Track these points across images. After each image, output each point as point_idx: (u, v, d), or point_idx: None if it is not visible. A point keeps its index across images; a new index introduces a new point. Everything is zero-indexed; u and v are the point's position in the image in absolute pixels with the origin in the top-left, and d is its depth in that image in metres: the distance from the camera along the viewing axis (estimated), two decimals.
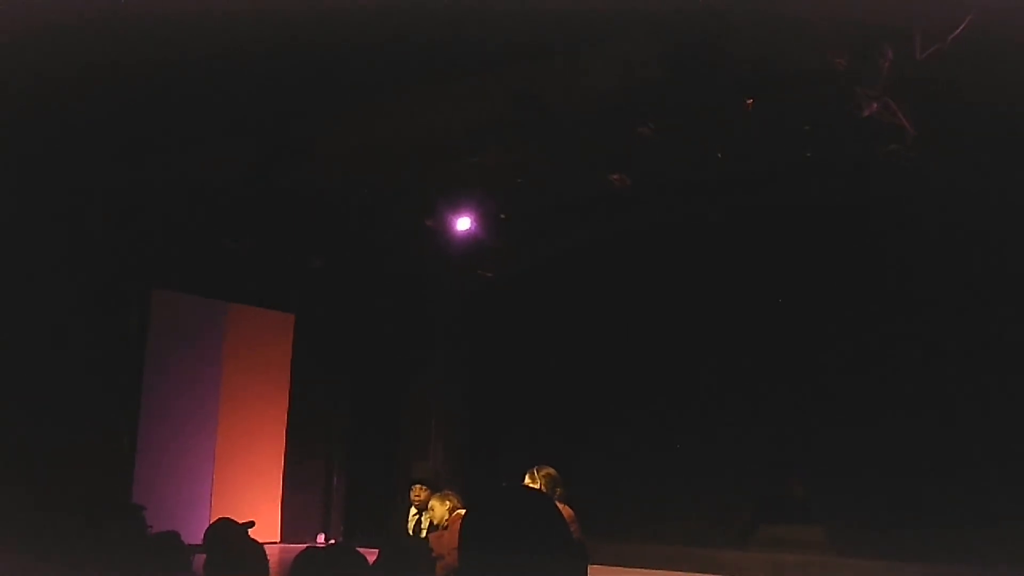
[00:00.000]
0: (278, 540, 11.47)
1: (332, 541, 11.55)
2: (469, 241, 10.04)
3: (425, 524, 7.28)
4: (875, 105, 6.56)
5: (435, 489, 7.34)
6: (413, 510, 7.54)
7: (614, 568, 9.03)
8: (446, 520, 6.75)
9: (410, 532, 7.49)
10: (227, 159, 8.77)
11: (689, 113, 7.78)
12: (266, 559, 3.91)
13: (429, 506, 7.08)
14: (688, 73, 6.81)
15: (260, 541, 4.07)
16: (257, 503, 11.06)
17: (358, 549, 3.31)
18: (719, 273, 10.44)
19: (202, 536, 4.27)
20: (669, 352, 10.87)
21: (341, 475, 12.47)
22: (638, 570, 9.65)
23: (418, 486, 7.51)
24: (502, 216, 9.99)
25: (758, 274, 10.30)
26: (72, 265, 9.21)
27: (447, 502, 6.90)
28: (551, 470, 6.64)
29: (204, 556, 3.95)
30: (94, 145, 8.27)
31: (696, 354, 10.70)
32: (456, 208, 9.83)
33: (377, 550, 4.17)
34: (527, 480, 6.62)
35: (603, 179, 8.77)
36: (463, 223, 9.91)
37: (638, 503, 10.69)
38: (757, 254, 10.27)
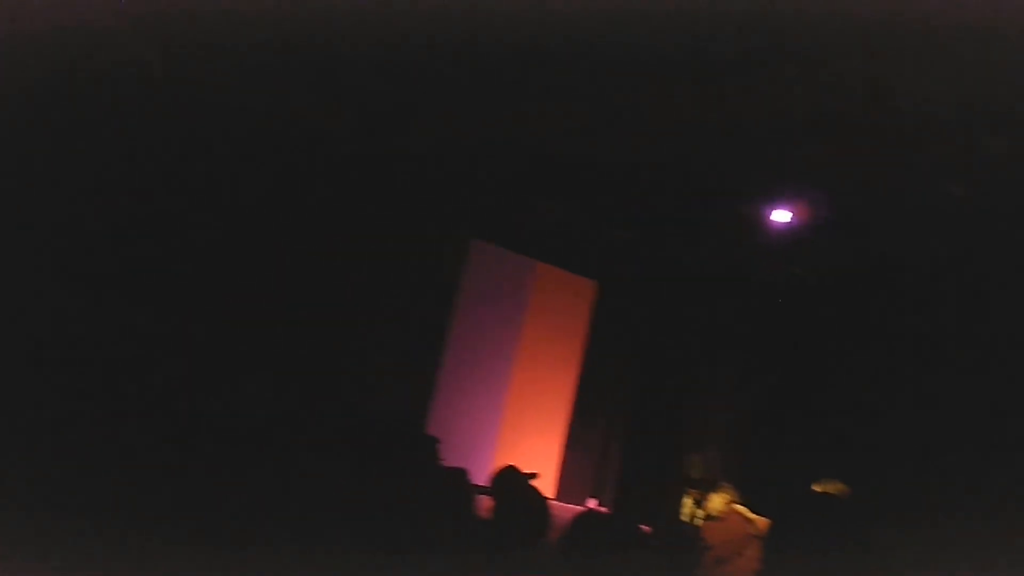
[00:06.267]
0: (553, 498, 11.75)
1: (603, 509, 11.69)
2: (787, 234, 9.71)
3: (700, 513, 7.24)
4: None
5: (711, 485, 7.31)
6: (689, 498, 7.52)
7: None
8: (722, 512, 6.70)
9: (683, 519, 7.48)
10: (552, 124, 8.96)
11: None
12: (550, 513, 3.99)
13: (707, 496, 7.05)
14: None
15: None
16: (537, 458, 11.38)
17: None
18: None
19: (487, 478, 4.41)
20: None
21: (619, 447, 12.53)
22: None
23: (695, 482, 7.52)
24: (827, 213, 9.55)
25: None
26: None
27: (725, 495, 6.86)
28: (841, 485, 6.40)
29: (487, 499, 4.08)
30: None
31: None
32: (777, 198, 9.53)
33: (647, 528, 4.15)
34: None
35: (943, 190, 8.15)
36: (782, 215, 9.60)
37: None
38: None
